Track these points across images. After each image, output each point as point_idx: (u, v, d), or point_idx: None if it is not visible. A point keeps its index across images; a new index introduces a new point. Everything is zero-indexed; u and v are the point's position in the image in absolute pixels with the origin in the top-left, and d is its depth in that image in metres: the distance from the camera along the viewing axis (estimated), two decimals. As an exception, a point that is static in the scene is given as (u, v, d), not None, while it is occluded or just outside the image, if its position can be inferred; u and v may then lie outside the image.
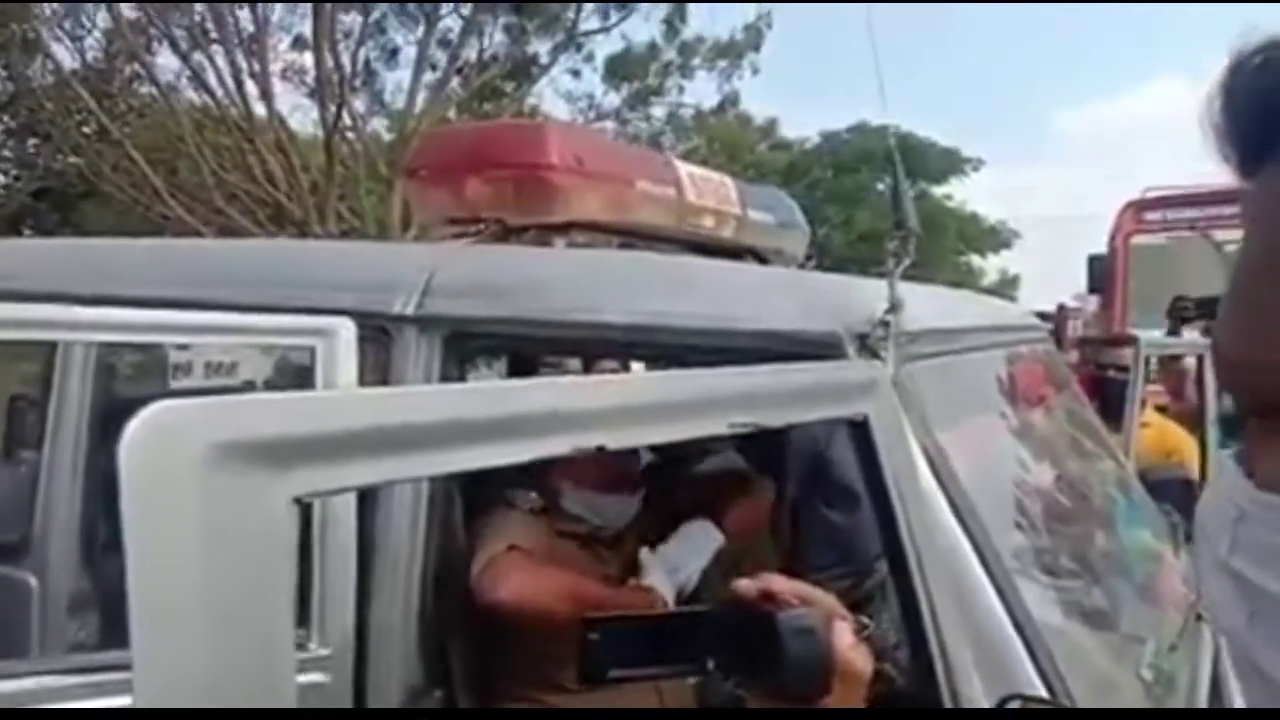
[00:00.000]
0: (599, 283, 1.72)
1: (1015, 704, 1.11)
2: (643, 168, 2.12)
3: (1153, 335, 3.84)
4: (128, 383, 2.77)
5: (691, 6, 17.34)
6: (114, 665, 1.73)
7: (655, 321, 1.57)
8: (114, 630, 2.25)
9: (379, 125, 16.90)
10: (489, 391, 0.75)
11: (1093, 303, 9.88)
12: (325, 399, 0.64)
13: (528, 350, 1.92)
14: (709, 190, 2.33)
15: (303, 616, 1.72)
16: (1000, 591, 1.26)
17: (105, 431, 2.56)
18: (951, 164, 23.79)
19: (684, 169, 2.28)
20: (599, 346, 1.66)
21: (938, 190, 24.42)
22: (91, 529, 2.43)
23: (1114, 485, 2.43)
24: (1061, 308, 9.70)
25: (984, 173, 24.41)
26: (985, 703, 1.15)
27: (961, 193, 24.46)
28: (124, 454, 0.47)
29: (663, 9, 17.04)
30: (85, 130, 15.10)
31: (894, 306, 1.34)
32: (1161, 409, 4.55)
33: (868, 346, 1.34)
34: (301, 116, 15.93)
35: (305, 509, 1.74)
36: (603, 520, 2.02)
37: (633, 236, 2.12)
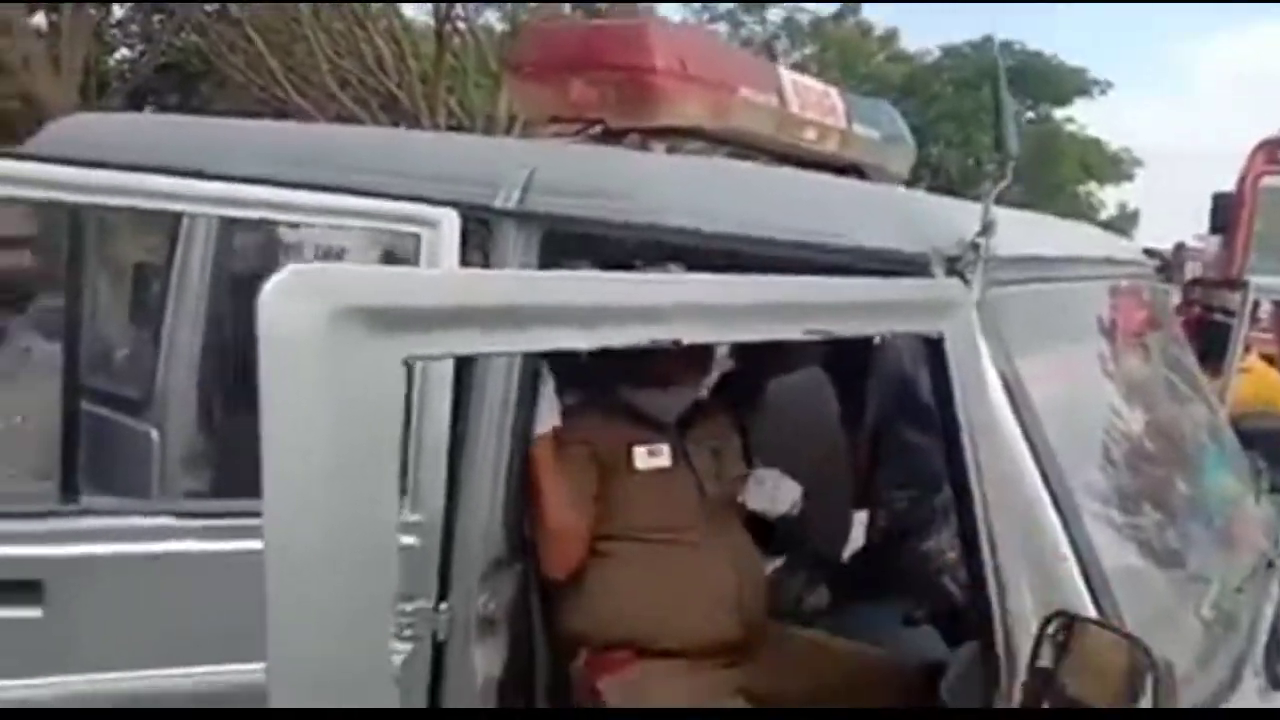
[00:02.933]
0: (694, 189, 1.75)
1: (1058, 622, 1.15)
2: (747, 74, 2.12)
3: (1265, 280, 3.68)
4: (243, 259, 2.91)
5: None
6: (224, 512, 1.90)
7: (746, 231, 1.60)
8: (225, 482, 2.44)
9: (491, 18, 16.82)
10: (579, 280, 0.80)
11: (1214, 244, 9.42)
12: (436, 276, 0.70)
13: (621, 252, 1.96)
14: (813, 101, 2.32)
15: (399, 484, 1.84)
16: (1062, 517, 1.29)
17: (222, 301, 2.72)
18: (1078, 85, 22.58)
19: (789, 77, 2.27)
20: (689, 253, 1.70)
21: (1060, 113, 23.26)
22: (208, 389, 2.61)
23: (1203, 429, 2.40)
24: (1180, 247, 9.25)
25: (1111, 98, 23.12)
26: (1032, 620, 1.20)
27: (1086, 117, 23.24)
28: (260, 311, 0.55)
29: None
30: (206, 9, 15.39)
31: (986, 229, 1.35)
32: (1269, 358, 4.39)
33: (955, 269, 1.35)
34: (415, 5, 15.92)
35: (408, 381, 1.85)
36: (660, 414, 2.07)
37: (732, 145, 2.13)
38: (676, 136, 1.95)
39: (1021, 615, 1.20)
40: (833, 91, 2.44)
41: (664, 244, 1.82)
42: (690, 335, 0.74)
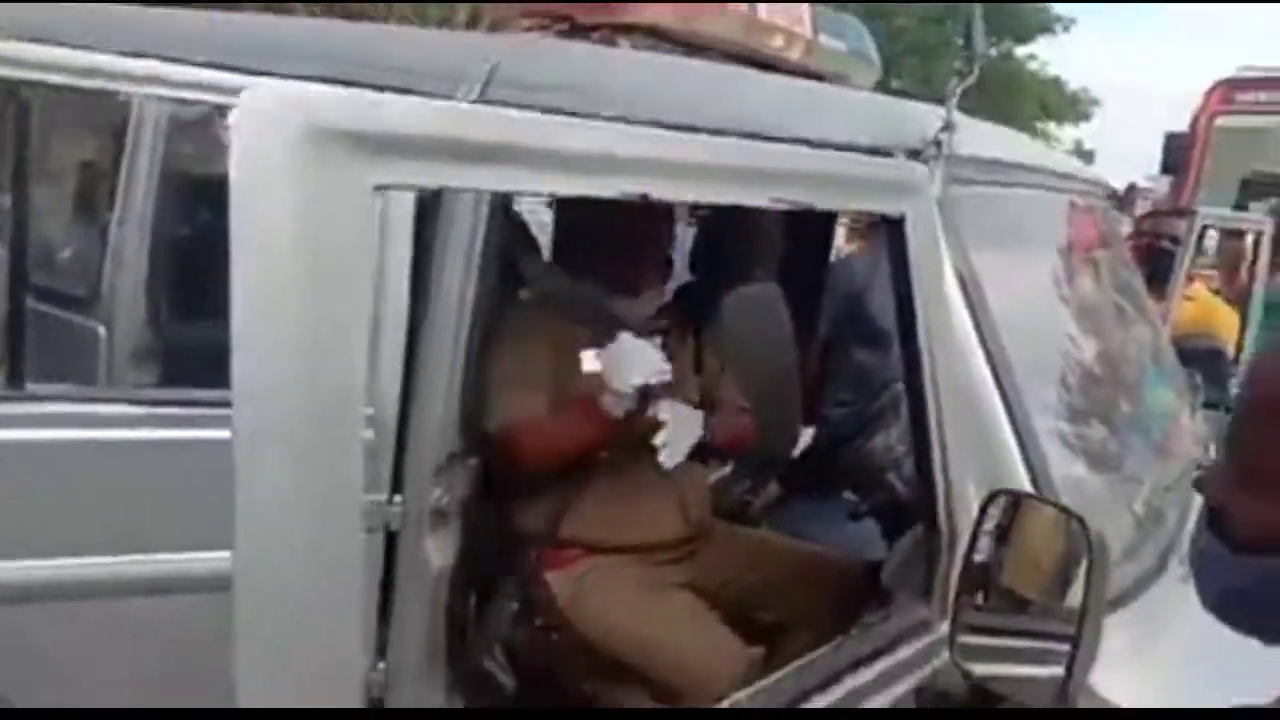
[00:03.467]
0: (660, 84, 1.74)
1: (1001, 500, 1.20)
2: (716, -26, 2.09)
3: (1213, 209, 3.76)
4: (191, 158, 2.84)
5: None
6: (170, 400, 1.89)
7: (711, 125, 1.59)
8: (170, 376, 2.41)
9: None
10: (556, 125, 0.80)
11: (1165, 184, 9.56)
12: (411, 104, 0.69)
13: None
14: (780, 9, 2.30)
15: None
16: (1008, 406, 1.33)
17: (169, 200, 2.66)
18: (1041, 21, 22.53)
19: (758, -19, 2.24)
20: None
21: (1023, 50, 23.23)
22: (155, 287, 2.57)
23: (1146, 346, 2.47)
24: (1131, 187, 9.35)
25: (1074, 35, 23.09)
26: (974, 501, 1.24)
27: (1049, 53, 23.23)
28: (232, 129, 0.54)
29: None
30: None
31: (948, 125, 1.36)
32: (1215, 292, 4.50)
33: (918, 159, 1.36)
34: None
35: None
36: (625, 316, 2.07)
37: (699, 47, 2.11)
38: (644, 35, 1.93)
39: (964, 496, 1.24)
40: (801, 3, 2.42)
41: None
42: (660, 191, 0.74)
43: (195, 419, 1.79)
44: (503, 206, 1.91)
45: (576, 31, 1.94)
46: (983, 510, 1.20)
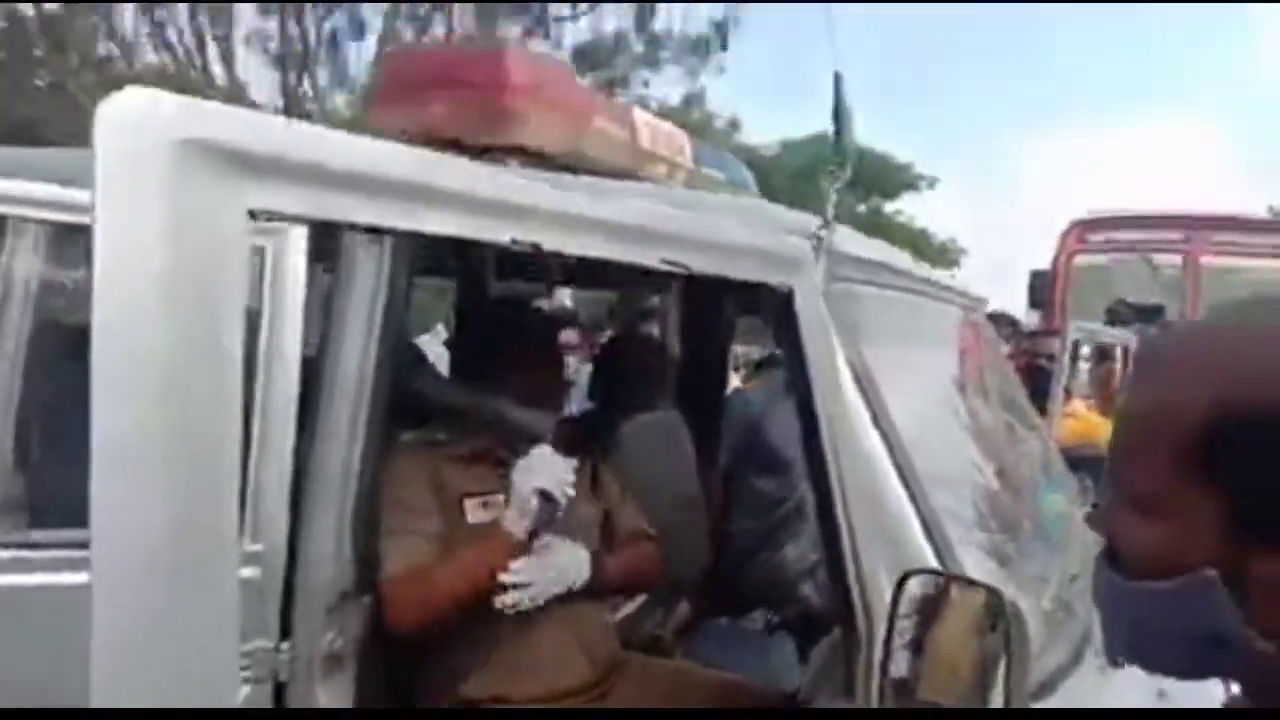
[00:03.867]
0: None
1: (914, 583, 1.17)
2: (601, 106, 2.17)
3: (1084, 323, 3.97)
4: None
5: (662, 6, 17.37)
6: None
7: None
8: (43, 519, 2.22)
9: (340, 100, 16.71)
10: (448, 164, 0.78)
11: (1034, 319, 10.13)
12: (291, 125, 0.67)
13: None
14: (663, 139, 2.39)
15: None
16: (910, 492, 1.33)
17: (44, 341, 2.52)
18: (906, 180, 24.20)
19: (641, 115, 2.33)
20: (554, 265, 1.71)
21: (890, 206, 24.78)
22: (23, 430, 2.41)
23: (1036, 453, 2.54)
24: (998, 317, 9.82)
25: (939, 191, 24.80)
26: (887, 589, 1.21)
27: (914, 208, 24.82)
28: (97, 137, 0.50)
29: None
30: (39, 82, 14.72)
31: (827, 222, 1.40)
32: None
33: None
34: (261, 84, 15.68)
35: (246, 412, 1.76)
36: (524, 424, 2.03)
37: (585, 172, 2.16)
38: (530, 158, 1.97)
39: (877, 584, 1.22)
40: (681, 133, 2.52)
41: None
42: (552, 241, 0.73)
43: (67, 562, 1.64)
44: (397, 326, 1.88)
45: (465, 152, 1.97)
46: (896, 594, 1.17)
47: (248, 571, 1.73)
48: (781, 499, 2.82)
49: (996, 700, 1.19)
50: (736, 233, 1.08)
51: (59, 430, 2.23)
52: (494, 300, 2.18)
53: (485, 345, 2.05)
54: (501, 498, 1.94)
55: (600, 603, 2.06)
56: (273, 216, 0.59)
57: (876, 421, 1.38)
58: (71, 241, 2.09)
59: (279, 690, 1.76)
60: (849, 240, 1.57)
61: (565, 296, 5.53)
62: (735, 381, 4.07)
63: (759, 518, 2.85)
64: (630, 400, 2.76)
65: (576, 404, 3.47)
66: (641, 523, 2.17)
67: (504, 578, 1.83)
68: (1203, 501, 0.69)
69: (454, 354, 2.19)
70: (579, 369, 3.62)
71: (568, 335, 3.80)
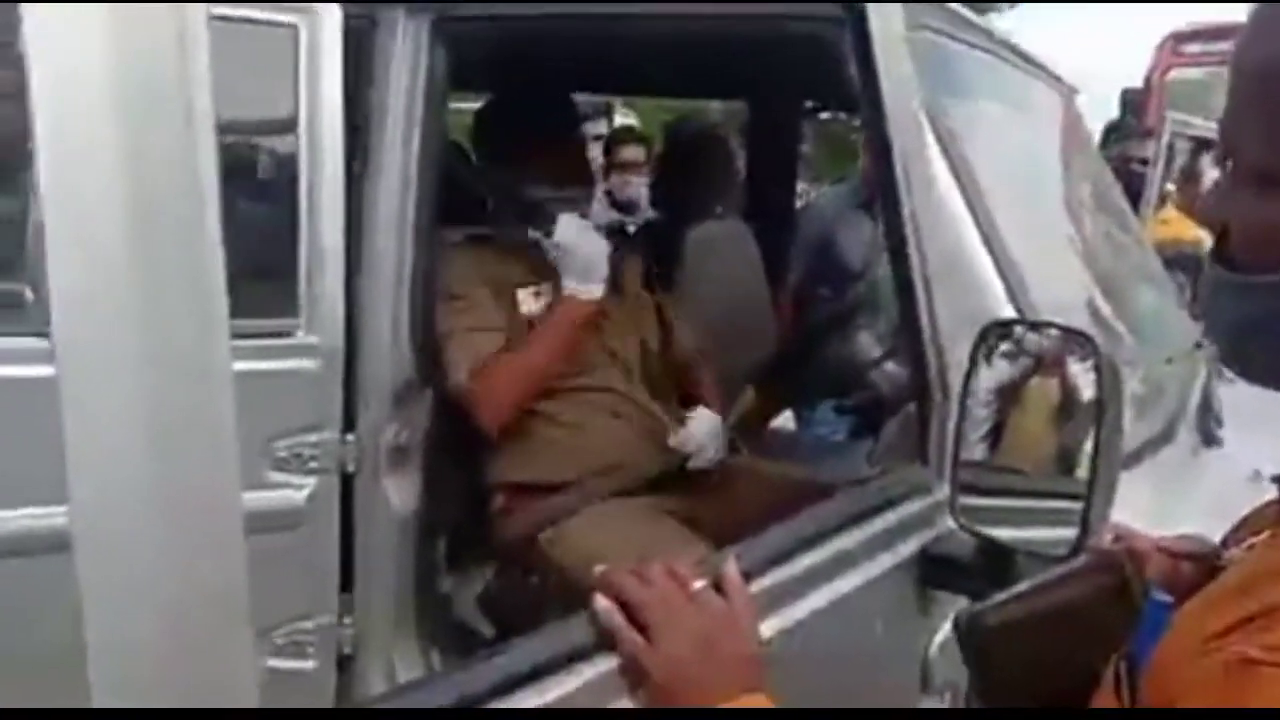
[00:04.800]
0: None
1: (995, 334, 1.08)
2: None
3: (1179, 115, 3.69)
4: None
5: None
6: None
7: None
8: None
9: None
10: None
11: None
12: None
13: (535, 55, 1.83)
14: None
15: (291, 305, 1.71)
16: (991, 247, 1.22)
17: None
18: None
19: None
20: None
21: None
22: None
23: (1130, 248, 2.39)
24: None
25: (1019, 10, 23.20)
26: (964, 339, 1.12)
27: (1000, 25, 23.42)
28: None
29: None
30: None
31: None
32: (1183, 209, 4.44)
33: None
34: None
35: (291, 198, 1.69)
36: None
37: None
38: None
39: (954, 350, 1.13)
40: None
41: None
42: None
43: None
44: (439, 117, 1.79)
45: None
46: (976, 346, 1.08)
47: (307, 363, 1.72)
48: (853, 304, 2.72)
49: (1084, 463, 1.11)
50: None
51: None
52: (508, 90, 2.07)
53: (508, 134, 1.96)
54: (551, 285, 1.89)
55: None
56: None
57: (959, 180, 1.26)
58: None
59: (346, 481, 1.77)
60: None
61: (629, 116, 5.33)
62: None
63: (832, 304, 2.76)
64: (693, 207, 2.65)
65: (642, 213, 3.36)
66: (694, 352, 2.13)
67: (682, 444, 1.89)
68: None
69: (483, 147, 2.10)
70: (643, 189, 3.49)
71: (634, 152, 3.63)
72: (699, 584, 0.86)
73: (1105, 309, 1.92)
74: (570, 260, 1.85)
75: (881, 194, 1.16)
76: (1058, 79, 2.26)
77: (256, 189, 1.72)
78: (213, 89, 0.49)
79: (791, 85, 2.65)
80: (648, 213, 3.23)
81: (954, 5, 1.47)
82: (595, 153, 3.75)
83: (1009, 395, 1.11)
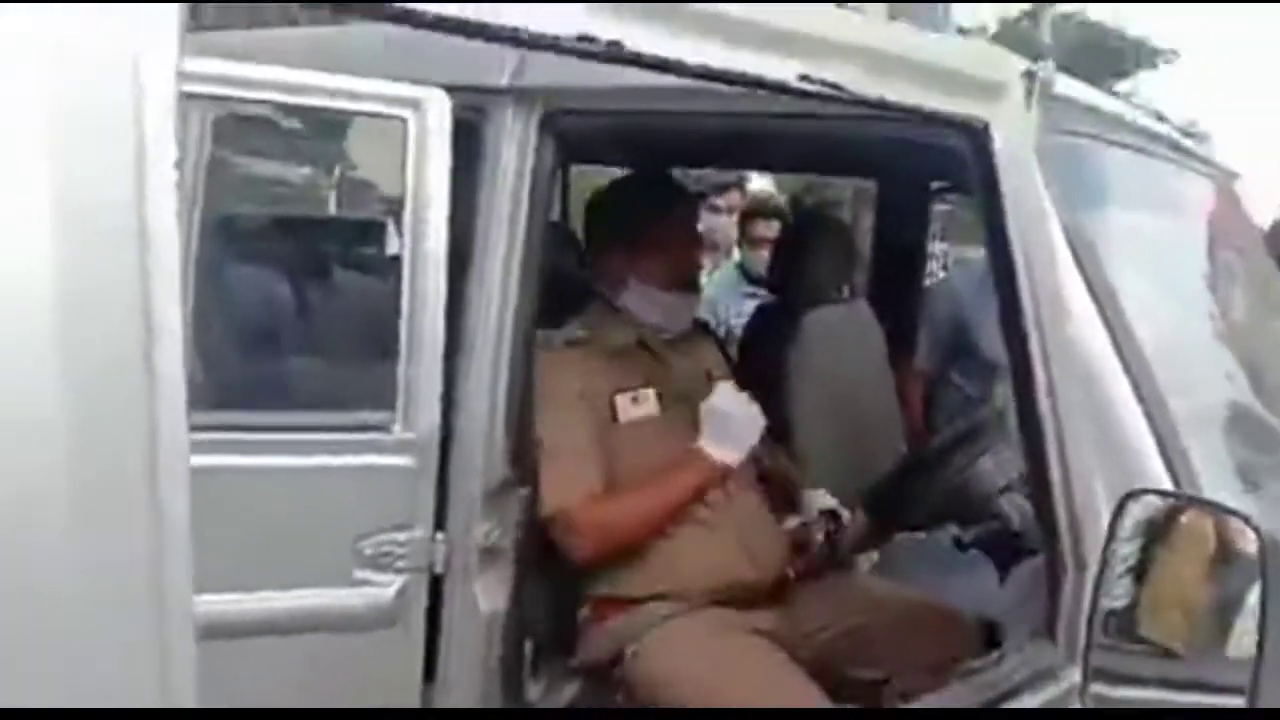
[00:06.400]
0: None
1: (1138, 504, 0.94)
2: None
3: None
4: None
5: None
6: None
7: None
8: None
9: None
10: None
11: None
12: None
13: (644, 142, 1.78)
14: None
15: (389, 398, 1.69)
16: (1137, 387, 1.08)
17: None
18: (1138, 56, 21.73)
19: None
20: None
21: (1122, 86, 22.47)
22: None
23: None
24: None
25: (1177, 67, 22.04)
26: (1104, 504, 0.98)
27: (1149, 90, 22.33)
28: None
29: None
30: None
31: (1040, 55, 1.13)
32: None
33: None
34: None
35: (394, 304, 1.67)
36: (661, 320, 1.91)
37: None
38: None
39: (1090, 503, 0.99)
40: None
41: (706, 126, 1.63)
42: (640, 40, 0.54)
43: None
44: (545, 206, 1.75)
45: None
46: (1115, 517, 0.94)
47: (402, 460, 1.69)
48: (984, 401, 2.55)
49: (1238, 647, 0.95)
50: (919, 48, 0.85)
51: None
52: (624, 177, 2.02)
53: (618, 226, 1.90)
54: (652, 391, 1.81)
55: (764, 506, 1.91)
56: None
57: (1098, 302, 1.13)
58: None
59: (435, 582, 1.72)
60: (1072, 87, 1.28)
61: (765, 182, 5.21)
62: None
63: (957, 422, 2.59)
64: (812, 290, 2.53)
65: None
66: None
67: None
68: None
69: (589, 236, 2.06)
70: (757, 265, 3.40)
71: (768, 227, 3.50)
72: None
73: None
74: (719, 426, 1.80)
75: (1005, 329, 1.04)
76: (1216, 166, 2.07)
77: (360, 282, 1.72)
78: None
79: (923, 174, 2.53)
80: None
81: (1094, 103, 1.34)
82: (726, 222, 3.68)
83: (1154, 571, 0.97)
